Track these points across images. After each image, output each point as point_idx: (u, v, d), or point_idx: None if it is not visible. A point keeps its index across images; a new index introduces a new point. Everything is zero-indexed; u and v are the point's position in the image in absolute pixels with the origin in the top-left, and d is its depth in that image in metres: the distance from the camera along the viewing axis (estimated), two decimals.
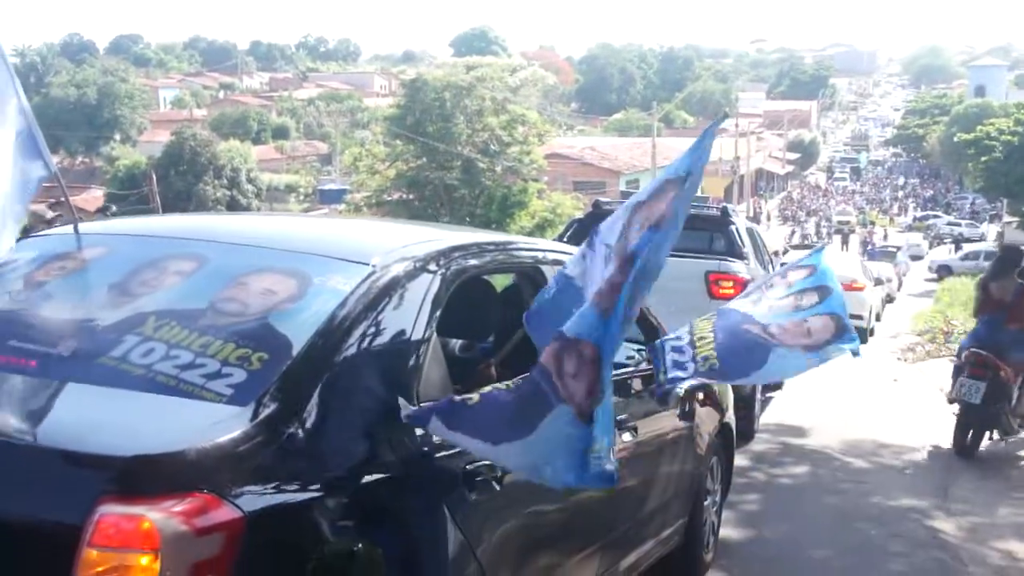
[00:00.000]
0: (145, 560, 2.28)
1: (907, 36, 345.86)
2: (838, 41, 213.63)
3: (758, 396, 9.44)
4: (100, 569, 2.28)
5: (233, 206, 46.29)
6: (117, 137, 73.57)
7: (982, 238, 56.18)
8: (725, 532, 6.09)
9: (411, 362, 3.09)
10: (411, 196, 43.20)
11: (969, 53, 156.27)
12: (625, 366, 4.68)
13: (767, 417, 10.09)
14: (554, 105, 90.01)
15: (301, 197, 61.05)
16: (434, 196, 42.63)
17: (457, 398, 2.91)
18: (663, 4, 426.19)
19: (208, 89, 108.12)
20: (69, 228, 3.67)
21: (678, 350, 4.38)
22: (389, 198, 43.16)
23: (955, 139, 68.98)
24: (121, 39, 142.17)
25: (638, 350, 4.83)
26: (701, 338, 4.39)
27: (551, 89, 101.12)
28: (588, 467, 2.83)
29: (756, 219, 55.86)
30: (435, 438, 3.02)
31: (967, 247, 48.95)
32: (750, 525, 6.56)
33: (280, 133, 77.54)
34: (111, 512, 2.30)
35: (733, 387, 6.22)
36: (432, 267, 3.37)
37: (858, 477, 8.08)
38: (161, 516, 2.31)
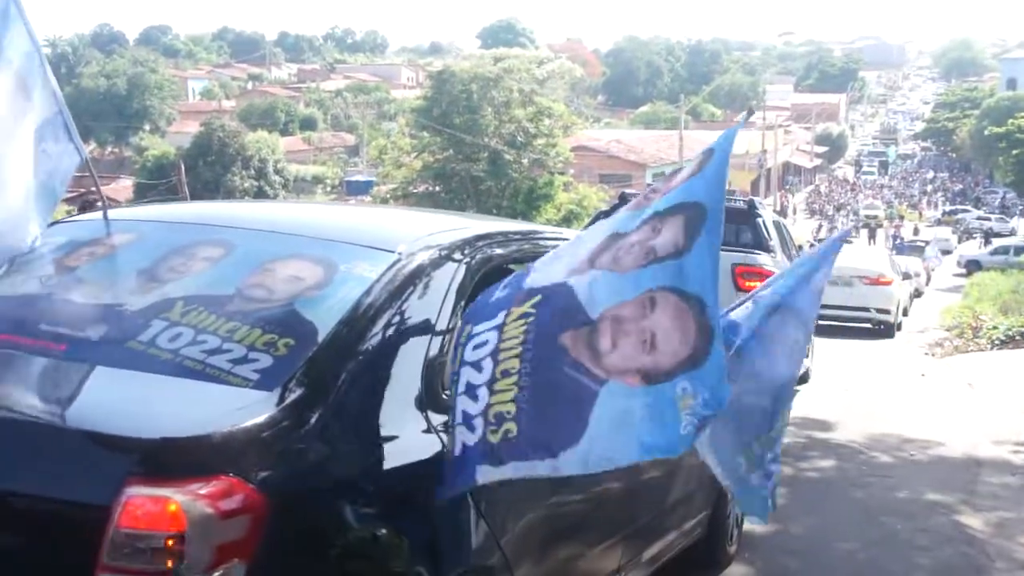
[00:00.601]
0: (171, 541, 2.31)
1: (938, 29, 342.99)
2: (867, 34, 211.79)
3: None
4: (127, 550, 2.32)
5: (260, 197, 46.50)
6: (146, 127, 74.16)
7: (1012, 232, 55.68)
8: (749, 525, 6.07)
9: (436, 350, 3.09)
10: (438, 188, 43.29)
11: (1001, 46, 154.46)
12: None
13: (792, 410, 10.05)
14: (581, 97, 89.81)
15: (328, 188, 61.24)
16: (460, 188, 42.69)
17: (488, 438, 2.76)
18: None
19: (236, 80, 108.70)
20: (98, 214, 3.69)
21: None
22: (415, 190, 43.26)
23: (986, 133, 68.54)
24: (151, 30, 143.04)
25: None
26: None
27: (578, 81, 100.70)
28: (679, 427, 2.60)
29: (783, 213, 55.59)
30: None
31: (996, 241, 48.51)
32: (774, 518, 6.51)
33: (307, 124, 77.90)
34: (138, 494, 2.33)
35: None
36: (457, 256, 3.37)
37: (884, 471, 8.03)
38: (187, 498, 2.33)
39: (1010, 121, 60.93)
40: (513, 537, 3.17)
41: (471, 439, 2.81)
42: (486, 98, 42.81)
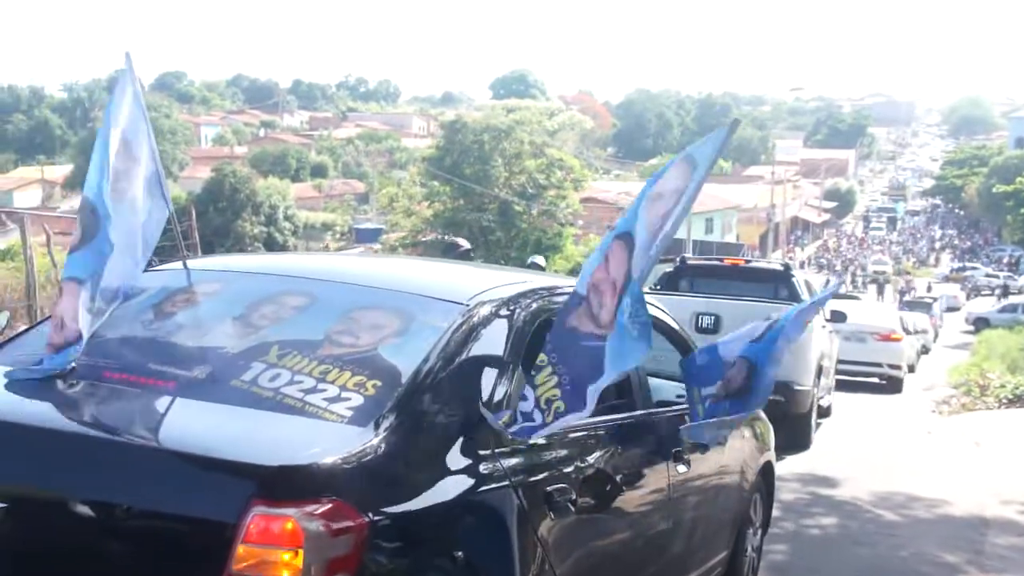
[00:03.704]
0: (288, 556, 2.65)
1: (947, 87, 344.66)
2: (877, 91, 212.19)
3: (815, 418, 11.37)
4: (251, 562, 2.65)
5: (270, 243, 46.66)
6: None
7: (1021, 291, 55.58)
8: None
9: (502, 391, 3.46)
10: (447, 237, 43.39)
11: (1010, 104, 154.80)
12: (677, 404, 4.85)
13: (796, 467, 10.03)
14: (591, 149, 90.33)
15: (337, 235, 61.44)
16: (470, 237, 42.79)
17: (546, 421, 3.43)
18: (702, 51, 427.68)
19: (249, 126, 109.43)
20: (179, 264, 4.05)
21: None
22: (424, 238, 43.45)
23: (994, 190, 68.66)
24: (166, 76, 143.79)
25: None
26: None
27: (588, 133, 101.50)
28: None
29: None
30: (531, 457, 3.42)
31: (1005, 299, 48.40)
32: (779, 575, 6.51)
33: (318, 171, 78.20)
34: (262, 513, 2.67)
35: (793, 402, 6.52)
36: (517, 307, 3.78)
37: (889, 530, 8.00)
38: (304, 518, 2.67)
39: (1018, 179, 61.12)
40: (565, 566, 3.49)
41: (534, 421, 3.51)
42: (497, 148, 43.13)
